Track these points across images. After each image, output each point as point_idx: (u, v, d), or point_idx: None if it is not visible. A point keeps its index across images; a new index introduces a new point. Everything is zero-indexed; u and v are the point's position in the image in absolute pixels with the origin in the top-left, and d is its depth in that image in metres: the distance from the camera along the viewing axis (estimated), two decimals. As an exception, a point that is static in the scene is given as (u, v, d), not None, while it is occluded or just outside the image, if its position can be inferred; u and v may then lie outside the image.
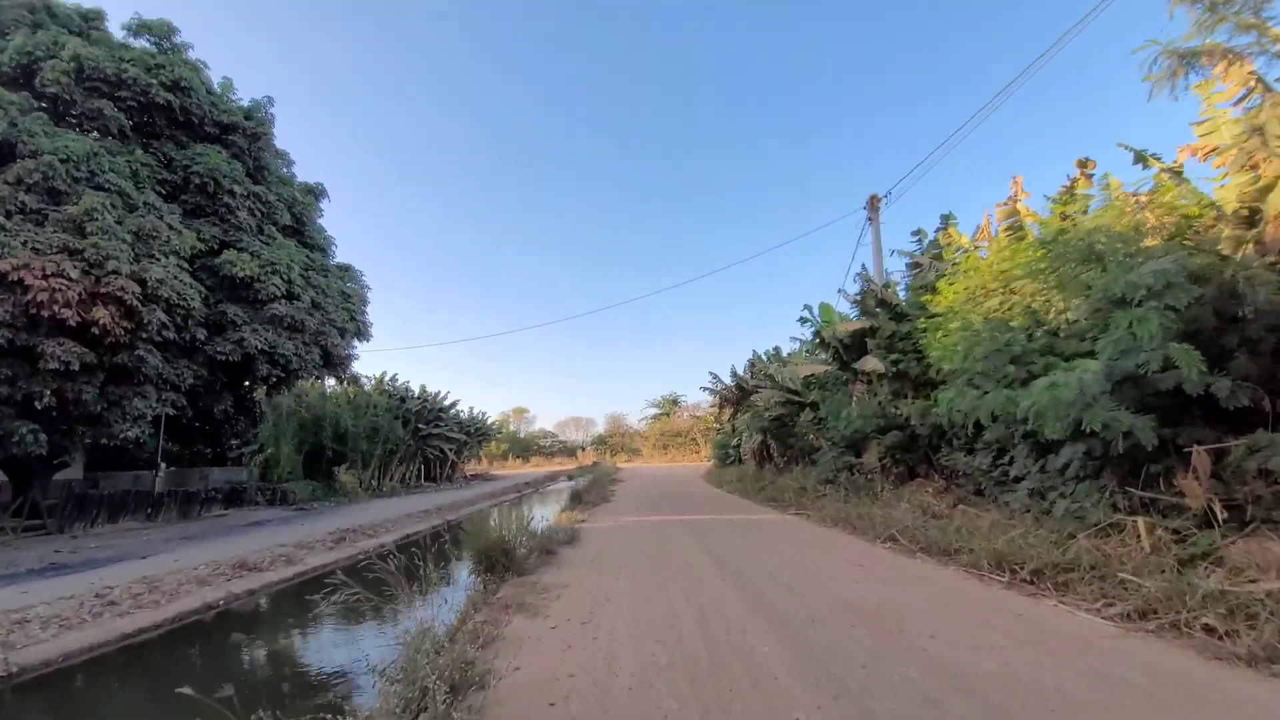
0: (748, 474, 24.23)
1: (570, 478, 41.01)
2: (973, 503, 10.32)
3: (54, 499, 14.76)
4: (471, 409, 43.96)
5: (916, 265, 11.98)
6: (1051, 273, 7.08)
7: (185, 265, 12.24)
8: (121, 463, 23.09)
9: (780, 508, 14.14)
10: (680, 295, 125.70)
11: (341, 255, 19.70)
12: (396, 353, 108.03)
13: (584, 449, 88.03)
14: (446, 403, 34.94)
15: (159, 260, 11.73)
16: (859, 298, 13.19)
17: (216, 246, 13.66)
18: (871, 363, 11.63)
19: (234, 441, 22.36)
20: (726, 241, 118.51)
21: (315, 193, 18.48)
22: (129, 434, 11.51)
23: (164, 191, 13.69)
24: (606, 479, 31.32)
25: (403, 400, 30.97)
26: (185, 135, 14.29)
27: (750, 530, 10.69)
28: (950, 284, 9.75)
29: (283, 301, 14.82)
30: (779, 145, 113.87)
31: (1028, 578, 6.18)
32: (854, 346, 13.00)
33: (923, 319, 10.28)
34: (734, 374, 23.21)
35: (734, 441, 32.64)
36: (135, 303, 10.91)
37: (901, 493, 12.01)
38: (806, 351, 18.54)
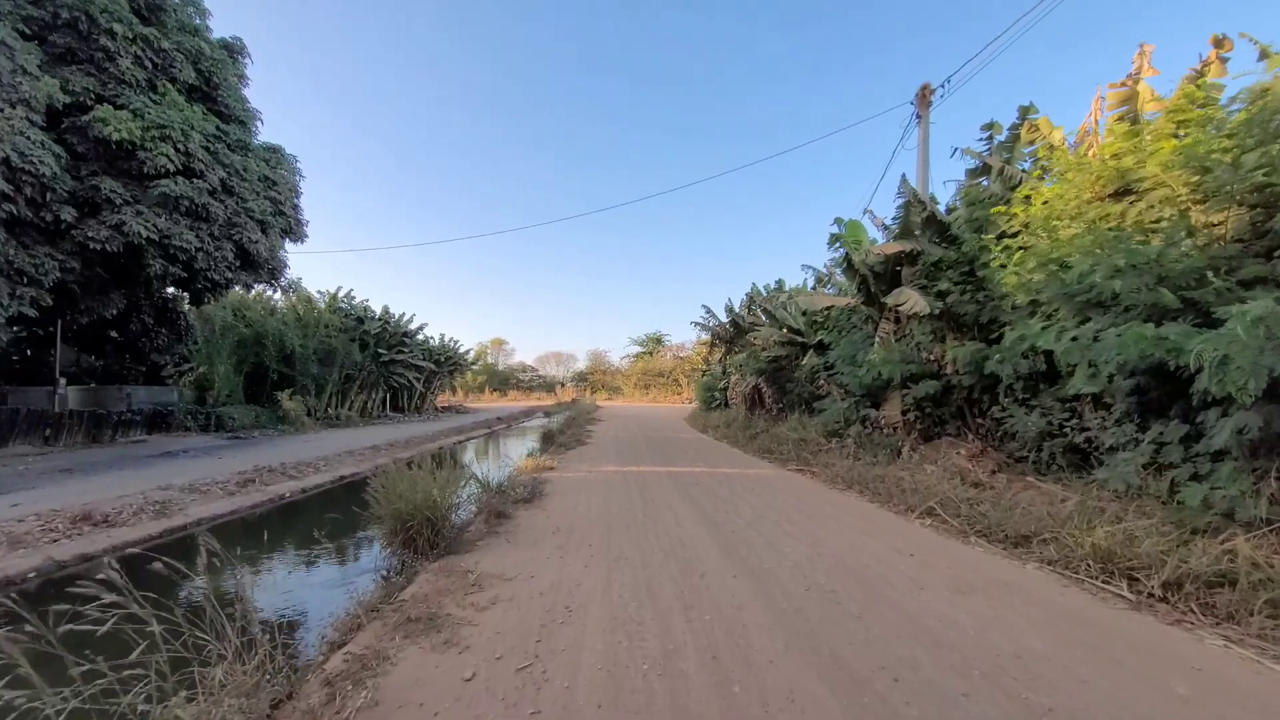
0: (736, 420, 22.57)
1: (547, 414, 39.31)
2: (1016, 471, 8.57)
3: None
4: (443, 336, 41.29)
5: (982, 171, 9.55)
6: (1240, 153, 4.78)
7: (39, 122, 9.18)
8: (38, 379, 20.32)
9: (778, 461, 12.37)
10: (675, 222, 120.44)
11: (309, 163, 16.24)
12: (361, 273, 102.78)
13: (564, 385, 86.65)
14: (412, 326, 32.15)
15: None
16: (897, 217, 10.82)
17: (91, 103, 10.43)
18: (910, 297, 9.43)
19: (165, 359, 19.66)
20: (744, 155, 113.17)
21: (233, 50, 14.73)
22: (-37, 337, 8.98)
23: (29, 31, 10.31)
24: (585, 418, 29.56)
25: (360, 321, 28.14)
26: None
27: (753, 490, 8.81)
28: (1037, 192, 7.41)
29: (179, 179, 11.56)
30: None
31: (1157, 591, 4.36)
32: (884, 276, 10.76)
33: (989, 239, 8.02)
34: (729, 309, 20.98)
35: (721, 384, 30.94)
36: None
37: (926, 453, 10.25)
38: (820, 284, 16.28)
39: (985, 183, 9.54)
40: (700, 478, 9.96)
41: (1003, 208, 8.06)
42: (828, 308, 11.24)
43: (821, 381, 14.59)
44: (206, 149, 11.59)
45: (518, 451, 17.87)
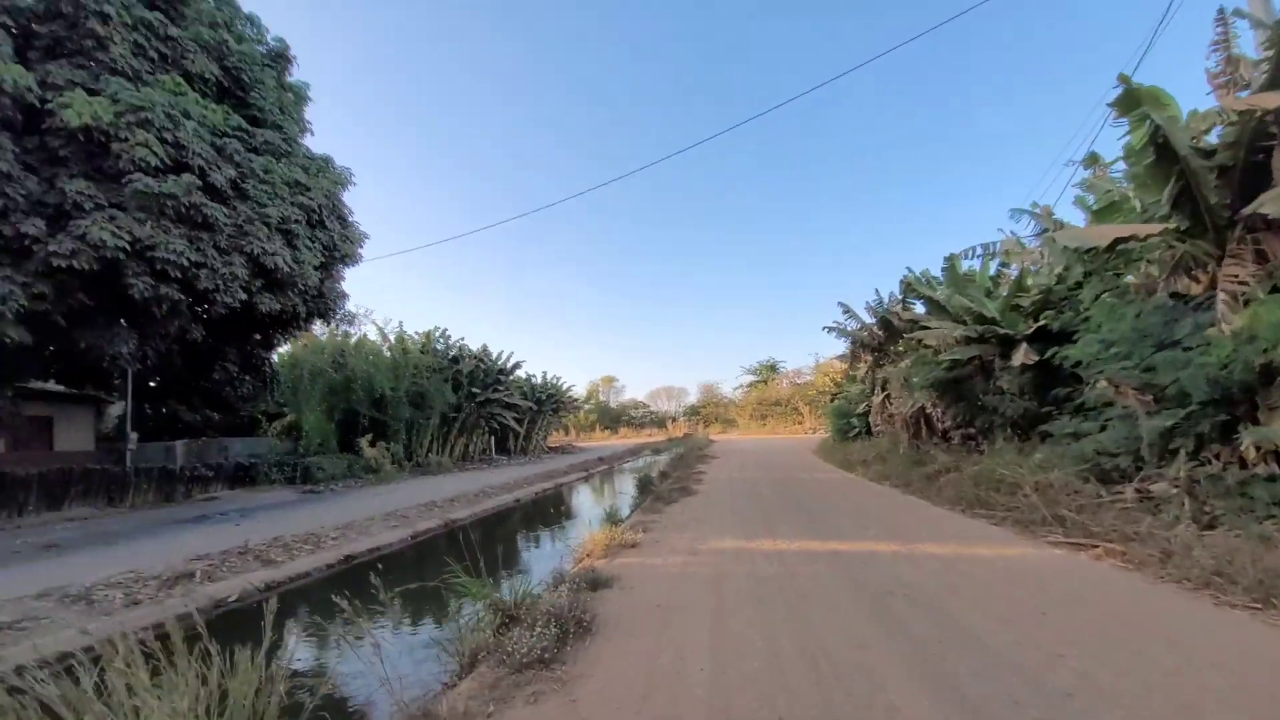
0: (892, 451, 17.06)
1: (655, 452, 35.63)
2: None
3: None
4: (545, 374, 39.76)
5: None
6: None
7: None
8: (158, 434, 20.76)
9: (1015, 525, 7.30)
10: (785, 246, 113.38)
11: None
12: (480, 318, 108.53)
13: (675, 420, 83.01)
14: (509, 364, 30.47)
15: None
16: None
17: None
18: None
19: (252, 408, 19.04)
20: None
21: (276, 54, 13.44)
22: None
23: (12, 23, 9.03)
24: (695, 455, 25.34)
25: (455, 360, 26.79)
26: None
27: (1073, 630, 4.10)
28: None
29: (166, 177, 9.44)
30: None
31: None
32: (1236, 171, 5.64)
33: None
34: (877, 306, 15.70)
35: (860, 407, 25.14)
36: None
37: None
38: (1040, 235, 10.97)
39: None
40: (905, 574, 5.37)
41: None
42: (1119, 240, 6.02)
43: (1021, 389, 9.21)
44: (212, 144, 9.85)
45: (604, 504, 14.21)
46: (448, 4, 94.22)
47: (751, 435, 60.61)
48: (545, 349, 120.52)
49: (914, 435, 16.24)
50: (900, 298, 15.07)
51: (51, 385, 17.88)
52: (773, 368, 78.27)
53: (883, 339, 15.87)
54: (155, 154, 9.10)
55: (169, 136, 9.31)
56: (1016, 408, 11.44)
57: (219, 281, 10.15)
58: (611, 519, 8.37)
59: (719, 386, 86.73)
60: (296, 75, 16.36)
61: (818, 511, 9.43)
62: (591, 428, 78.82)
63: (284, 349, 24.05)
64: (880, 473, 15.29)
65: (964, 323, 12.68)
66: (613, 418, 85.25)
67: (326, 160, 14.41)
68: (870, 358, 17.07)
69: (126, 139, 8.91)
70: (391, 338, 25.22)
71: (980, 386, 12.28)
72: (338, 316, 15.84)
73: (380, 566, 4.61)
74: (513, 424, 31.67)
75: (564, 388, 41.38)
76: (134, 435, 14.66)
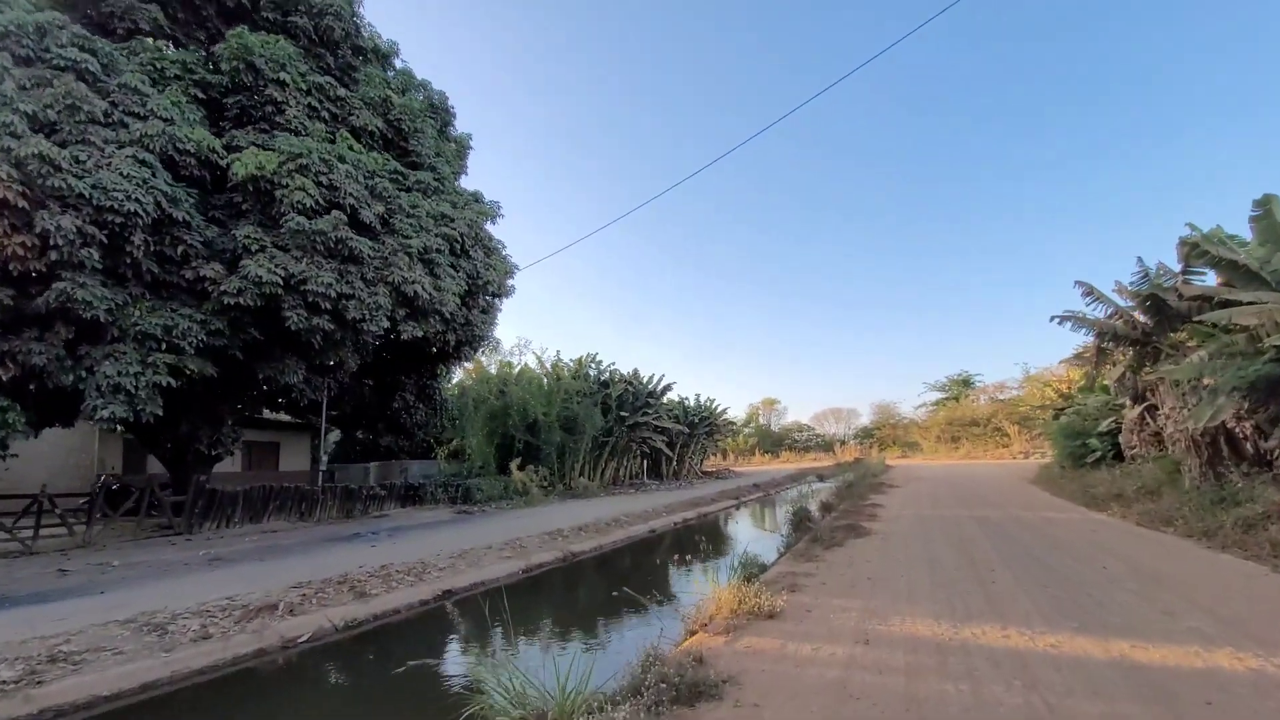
0: (1169, 485, 12.01)
1: (820, 478, 31.68)
2: None
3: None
4: (698, 396, 38.33)
5: None
6: None
7: (150, 160, 8.69)
8: (352, 457, 23.82)
9: None
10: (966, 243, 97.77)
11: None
12: (633, 348, 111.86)
13: (844, 443, 75.25)
14: (659, 387, 29.65)
15: (95, 146, 8.15)
16: None
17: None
18: None
19: (423, 434, 20.67)
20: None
21: (435, 105, 14.51)
22: (105, 413, 8.48)
23: (205, 96, 10.52)
24: (867, 484, 21.51)
25: (605, 385, 26.69)
26: (230, 23, 11.10)
27: None
28: None
29: (321, 217, 10.09)
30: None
31: None
32: None
33: None
34: (1140, 281, 10.85)
35: (1103, 425, 19.02)
36: (18, 199, 7.47)
37: None
38: None
39: None
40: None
41: None
42: None
43: None
44: (365, 185, 10.46)
45: (750, 541, 11.95)
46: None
47: (940, 460, 51.82)
48: (704, 372, 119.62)
49: (1210, 460, 11.16)
50: (1180, 268, 10.42)
51: (281, 416, 21.44)
52: (966, 382, 66.90)
53: (1149, 328, 11.17)
54: (310, 195, 9.93)
55: (324, 180, 10.15)
56: None
57: (365, 311, 10.71)
58: (747, 570, 6.33)
59: (896, 406, 76.73)
60: (461, 128, 17.87)
61: (1070, 574, 6.24)
62: (751, 452, 75.03)
63: (457, 379, 26.33)
64: (1153, 514, 10.76)
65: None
66: (774, 441, 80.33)
67: (476, 195, 15.18)
68: (1127, 354, 12.20)
69: (287, 185, 9.82)
70: (548, 365, 26.09)
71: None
72: (486, 345, 16.33)
73: (478, 603, 3.67)
74: (663, 448, 30.63)
75: (718, 410, 39.43)
76: (325, 458, 16.51)
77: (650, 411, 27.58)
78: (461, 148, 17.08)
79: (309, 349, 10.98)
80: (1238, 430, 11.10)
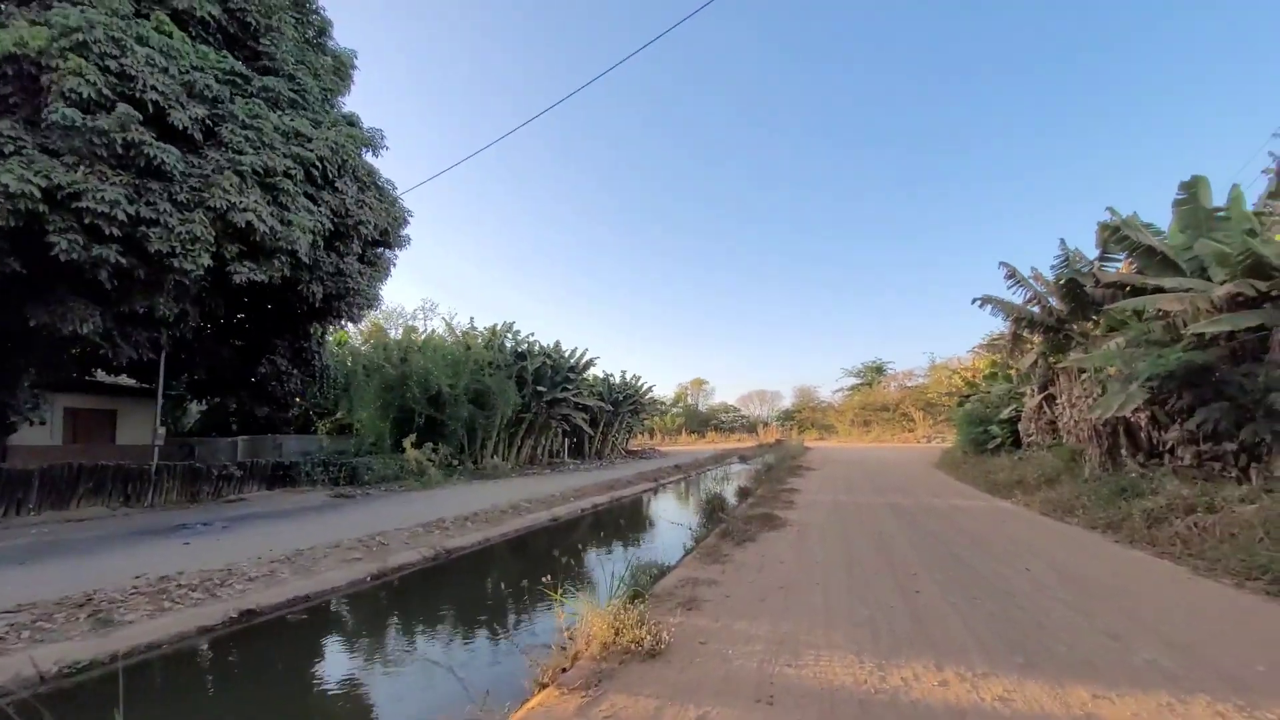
0: (1068, 474, 12.21)
1: (743, 459, 31.75)
2: None
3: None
4: (623, 373, 37.23)
5: None
6: None
7: None
8: (220, 429, 20.63)
9: None
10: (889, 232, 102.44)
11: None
12: (571, 323, 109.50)
13: (767, 425, 77.49)
14: (581, 361, 28.17)
15: None
16: None
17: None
18: None
19: (302, 404, 18.10)
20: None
21: (308, 10, 11.86)
22: None
23: None
24: (787, 466, 21.35)
25: (521, 357, 24.85)
26: None
27: None
28: None
29: (107, 114, 7.59)
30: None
31: None
32: None
33: None
34: (1061, 265, 10.67)
35: (1004, 412, 19.73)
36: None
37: None
38: None
39: None
40: None
41: None
42: None
43: None
44: (179, 82, 7.97)
45: (660, 530, 10.99)
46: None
47: (853, 443, 54.22)
48: (637, 351, 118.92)
49: (1109, 450, 11.35)
50: (1098, 254, 10.26)
51: (122, 379, 18.01)
52: (879, 369, 70.45)
53: (1064, 314, 11.09)
54: (91, 84, 7.38)
55: (113, 65, 7.63)
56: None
57: (176, 243, 8.23)
58: (639, 580, 5.16)
59: (816, 390, 79.91)
60: (344, 44, 15.05)
61: (995, 580, 5.57)
62: (678, 432, 75.54)
63: (358, 344, 23.44)
64: (1055, 503, 10.75)
65: (1220, 282, 7.99)
66: (701, 422, 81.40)
67: (350, 118, 12.68)
68: (1040, 341, 12.21)
69: (58, 67, 7.28)
70: (460, 333, 23.83)
71: (1262, 378, 7.53)
72: (372, 304, 13.98)
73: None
74: (585, 426, 29.33)
75: (643, 388, 38.56)
76: (162, 430, 13.78)
77: (571, 387, 26.11)
78: (342, 66, 14.28)
79: (102, 291, 8.49)
80: (1135, 420, 11.33)
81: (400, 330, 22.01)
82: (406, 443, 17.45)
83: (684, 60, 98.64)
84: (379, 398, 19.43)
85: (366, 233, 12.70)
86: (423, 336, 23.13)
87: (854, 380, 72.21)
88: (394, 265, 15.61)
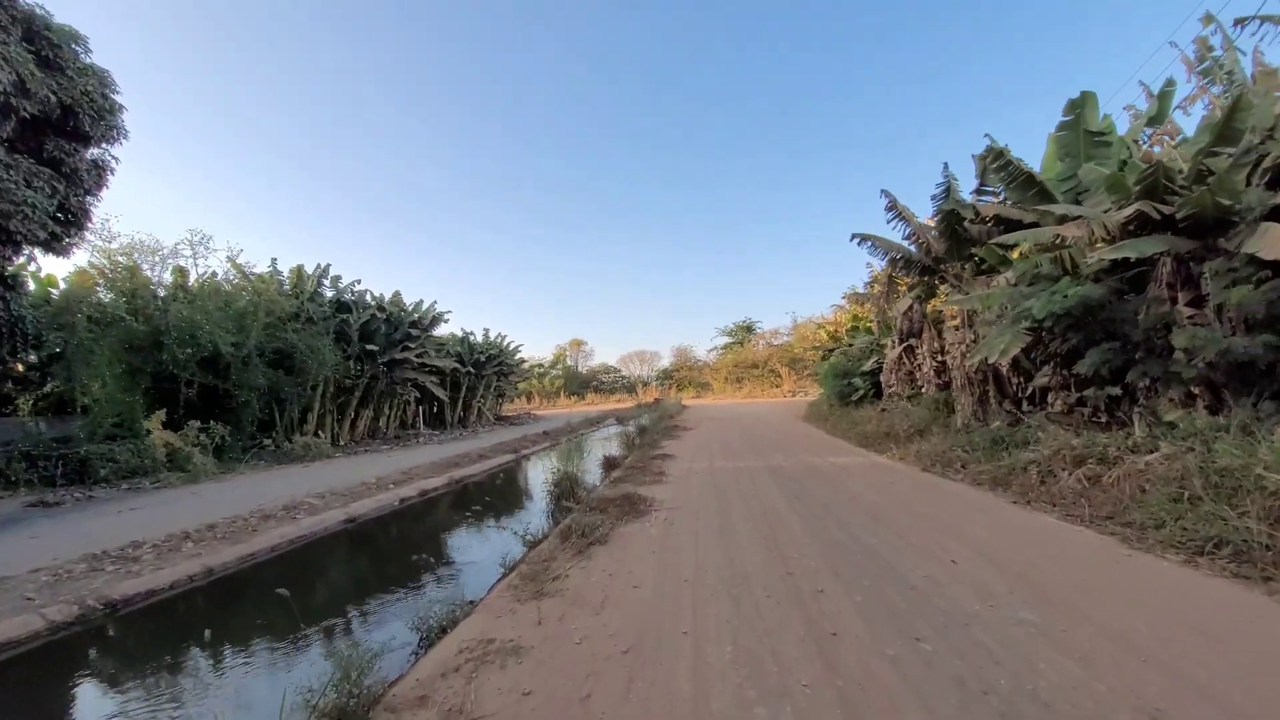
0: (937, 424, 11.82)
1: (619, 420, 30.08)
2: None
3: None
4: (486, 331, 33.45)
5: None
6: None
7: None
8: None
9: None
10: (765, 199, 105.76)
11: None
12: (463, 299, 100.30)
13: (647, 385, 77.71)
14: (427, 317, 24.07)
15: None
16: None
17: None
18: None
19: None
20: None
21: None
22: None
23: None
24: (663, 427, 19.91)
25: (345, 309, 20.24)
26: None
27: None
28: None
29: None
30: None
31: None
32: None
33: None
34: (942, 196, 9.65)
35: (867, 364, 19.87)
36: None
37: None
38: None
39: None
40: None
41: None
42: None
43: None
44: None
45: (477, 538, 8.53)
46: None
47: (727, 399, 55.84)
48: (514, 311, 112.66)
49: (980, 402, 10.94)
50: (976, 184, 9.36)
51: None
52: (749, 328, 73.23)
53: (941, 253, 10.24)
54: None
55: None
56: (1237, 348, 6.08)
57: None
58: (351, 693, 2.67)
59: (693, 350, 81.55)
60: None
61: (923, 586, 3.91)
62: (556, 394, 72.87)
63: (62, 289, 17.19)
64: (932, 456, 10.01)
65: (1118, 207, 7.14)
66: (581, 383, 79.44)
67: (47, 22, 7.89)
68: (916, 282, 11.46)
69: None
70: (252, 277, 18.39)
71: (1155, 314, 6.83)
72: (48, 216, 9.17)
73: None
74: (438, 391, 25.49)
75: (510, 347, 35.11)
76: None
77: (414, 346, 22.09)
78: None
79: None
80: (999, 366, 10.97)
81: (169, 271, 16.40)
82: (150, 423, 12.85)
83: (536, 13, 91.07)
84: (120, 362, 14.24)
85: (27, 111, 8.07)
86: (197, 280, 17.39)
87: (726, 339, 74.52)
88: (111, 171, 10.77)
